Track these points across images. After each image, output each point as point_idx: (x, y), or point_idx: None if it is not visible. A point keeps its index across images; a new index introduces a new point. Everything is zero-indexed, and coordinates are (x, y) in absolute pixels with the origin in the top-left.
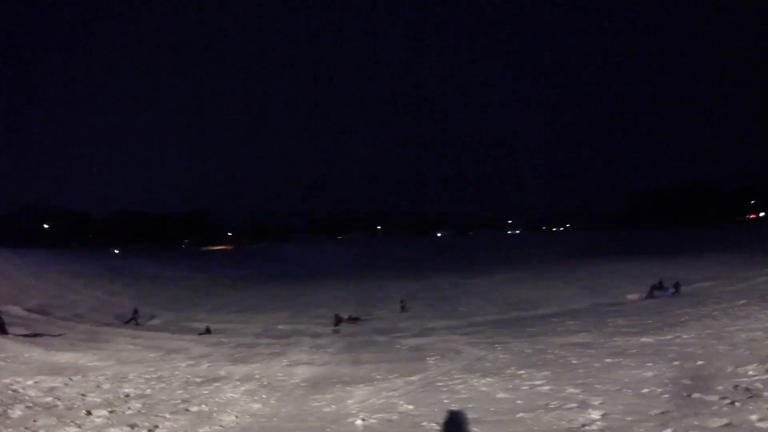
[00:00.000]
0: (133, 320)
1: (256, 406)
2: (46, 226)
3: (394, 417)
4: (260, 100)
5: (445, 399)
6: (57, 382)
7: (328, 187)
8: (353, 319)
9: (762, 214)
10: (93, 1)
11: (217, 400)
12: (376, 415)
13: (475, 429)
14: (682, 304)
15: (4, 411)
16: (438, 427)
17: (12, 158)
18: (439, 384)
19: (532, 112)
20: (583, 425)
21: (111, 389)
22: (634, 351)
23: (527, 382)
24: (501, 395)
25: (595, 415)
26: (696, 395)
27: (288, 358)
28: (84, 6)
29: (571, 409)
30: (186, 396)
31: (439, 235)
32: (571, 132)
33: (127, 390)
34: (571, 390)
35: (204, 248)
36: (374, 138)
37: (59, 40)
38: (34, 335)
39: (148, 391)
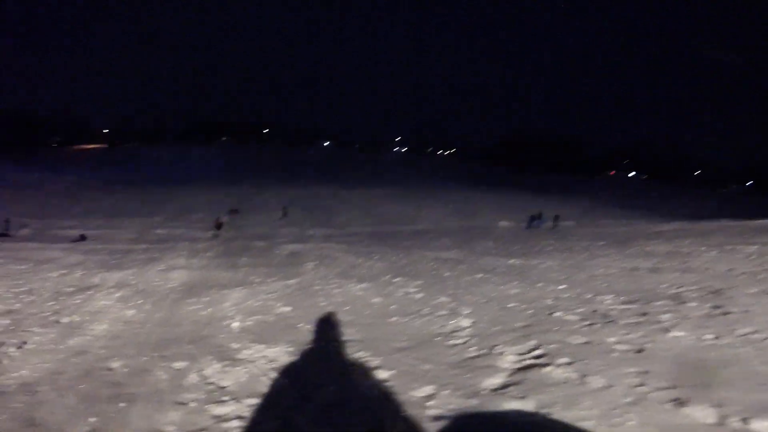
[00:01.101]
0: (4, 233)
1: (130, 312)
2: None
3: (271, 319)
4: None
5: (321, 302)
6: None
7: (213, 89)
8: (233, 211)
9: (632, 173)
10: None
11: (88, 309)
12: (252, 317)
13: (349, 330)
14: (548, 237)
15: None
16: (313, 328)
17: None
18: (316, 288)
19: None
20: (453, 331)
21: None
22: (502, 270)
23: (401, 289)
24: (375, 300)
25: (465, 322)
26: (557, 314)
27: (164, 263)
28: None
29: (441, 316)
30: (57, 307)
31: (325, 144)
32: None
33: None
34: (442, 299)
35: (75, 147)
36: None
37: None
38: None
39: (17, 306)
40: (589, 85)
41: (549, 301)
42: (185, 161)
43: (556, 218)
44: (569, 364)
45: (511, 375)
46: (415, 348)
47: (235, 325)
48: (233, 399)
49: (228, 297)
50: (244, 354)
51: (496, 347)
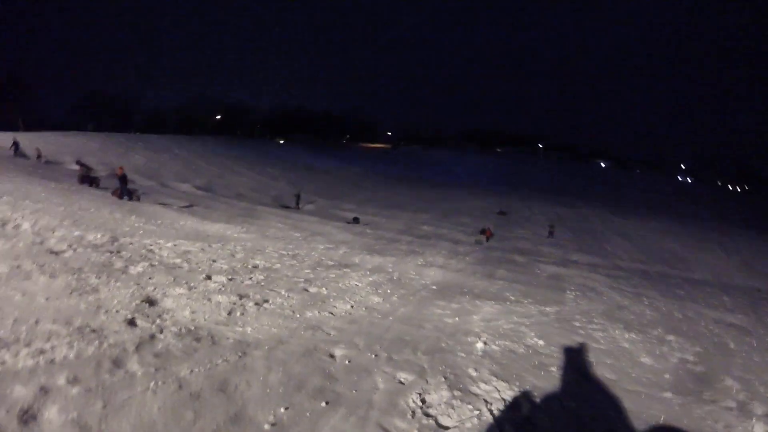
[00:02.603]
0: (296, 204)
1: (376, 299)
2: (218, 117)
3: (520, 349)
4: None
5: (580, 343)
6: (195, 246)
7: (487, 101)
8: (501, 213)
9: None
10: None
11: (339, 285)
12: (499, 341)
13: (610, 395)
14: None
15: (126, 267)
16: (567, 377)
17: (185, 57)
18: (576, 324)
19: None
20: None
21: (243, 259)
22: None
23: (676, 354)
24: (645, 359)
25: (759, 429)
26: None
27: (424, 258)
28: None
29: (728, 409)
30: (311, 276)
31: (602, 165)
32: None
33: (257, 262)
34: (728, 382)
35: (361, 145)
36: (545, 58)
37: None
38: (190, 206)
39: (277, 266)
40: None
41: None
42: (460, 166)
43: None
44: None
45: None
46: None
47: (480, 345)
48: None
49: (479, 309)
50: (481, 389)
51: None
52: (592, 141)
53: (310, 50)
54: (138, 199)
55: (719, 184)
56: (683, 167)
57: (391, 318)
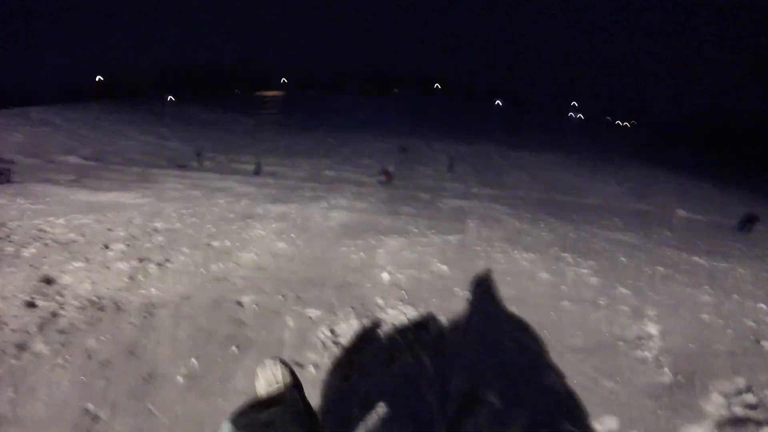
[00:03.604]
0: (200, 162)
1: (281, 245)
2: (99, 78)
3: (425, 276)
4: None
5: (482, 266)
6: (89, 218)
7: (385, 46)
8: (402, 149)
9: None
10: None
11: (243, 236)
12: (405, 271)
13: (512, 307)
14: (735, 238)
15: (17, 250)
16: (470, 297)
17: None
18: (478, 249)
19: None
20: (639, 337)
21: (141, 224)
22: (686, 268)
23: (571, 268)
24: (543, 275)
25: (652, 328)
26: (766, 345)
27: (328, 201)
28: None
29: (622, 312)
30: (214, 231)
31: (498, 103)
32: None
33: (157, 225)
34: (621, 290)
35: (256, 95)
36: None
37: None
38: (79, 178)
39: (178, 225)
40: None
41: (750, 323)
42: (359, 111)
43: (753, 219)
44: None
45: (719, 427)
46: (593, 351)
47: (385, 276)
48: (356, 371)
49: (384, 244)
50: (388, 314)
51: (696, 376)
52: (489, 81)
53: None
54: (8, 180)
55: (609, 119)
56: (575, 105)
57: (297, 261)
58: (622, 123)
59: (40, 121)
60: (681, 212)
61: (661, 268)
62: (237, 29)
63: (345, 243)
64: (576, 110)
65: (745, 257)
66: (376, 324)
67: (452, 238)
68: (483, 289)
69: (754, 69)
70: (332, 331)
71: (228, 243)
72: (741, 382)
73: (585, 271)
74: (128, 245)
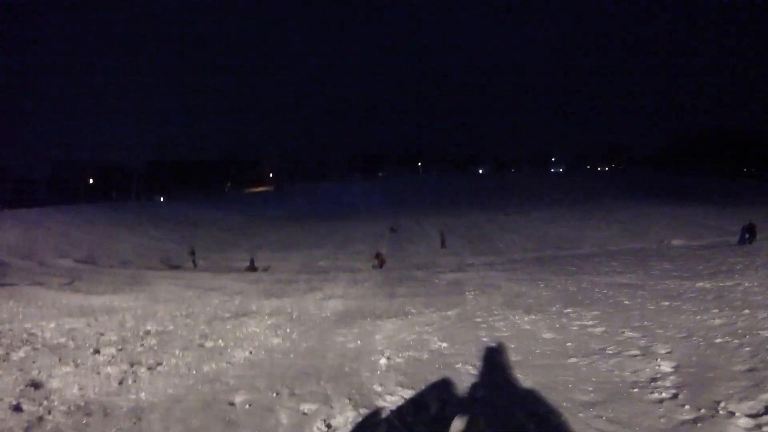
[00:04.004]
0: (193, 262)
1: (276, 341)
2: (91, 181)
3: (424, 356)
4: (294, 38)
5: (483, 336)
6: (80, 323)
7: (366, 125)
8: (393, 230)
9: None
10: None
11: (237, 334)
12: (404, 353)
13: (518, 374)
14: (734, 253)
15: (7, 353)
16: (473, 370)
17: (50, 119)
18: (478, 320)
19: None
20: (653, 379)
21: (133, 327)
22: (692, 295)
23: (576, 322)
24: (547, 335)
25: (666, 366)
26: None
27: (323, 292)
28: None
29: (633, 356)
30: (207, 331)
31: (480, 171)
32: (614, 71)
33: (149, 327)
34: (628, 333)
35: (245, 190)
36: (413, 74)
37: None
38: (72, 282)
39: (171, 327)
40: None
41: (766, 334)
42: (348, 197)
43: (752, 230)
44: None
45: None
46: (606, 403)
47: (383, 361)
48: None
49: (381, 328)
50: (387, 401)
51: (719, 404)
52: (469, 149)
53: (178, 99)
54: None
55: (588, 167)
56: (553, 159)
57: (292, 355)
58: (602, 168)
59: (33, 222)
60: (676, 242)
61: (665, 302)
62: (223, 125)
63: (341, 332)
64: (556, 164)
65: (748, 270)
66: (374, 413)
67: (451, 313)
68: (486, 359)
69: (726, 90)
70: (328, 426)
71: (221, 342)
72: (767, 398)
73: (589, 322)
74: (119, 349)
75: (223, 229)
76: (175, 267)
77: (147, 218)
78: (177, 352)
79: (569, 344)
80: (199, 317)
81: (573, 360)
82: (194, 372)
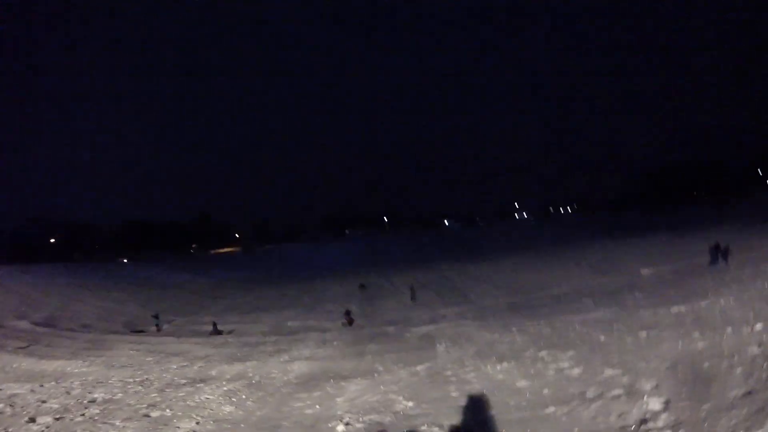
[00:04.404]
0: (156, 326)
1: (229, 409)
2: (52, 240)
3: (387, 419)
4: (259, 101)
5: (453, 392)
6: (24, 389)
7: (333, 186)
8: (362, 287)
9: None
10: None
11: (188, 403)
12: (365, 417)
13: (497, 428)
14: (703, 273)
15: None
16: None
17: (13, 174)
18: (448, 373)
19: (533, 99)
20: (642, 421)
21: (79, 395)
22: (669, 321)
23: (551, 365)
24: (522, 383)
25: (655, 404)
26: None
27: (289, 354)
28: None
29: (616, 398)
30: (158, 400)
31: (446, 224)
32: (567, 123)
33: (96, 395)
34: (608, 372)
35: (212, 251)
36: (376, 135)
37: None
38: (27, 346)
39: (119, 396)
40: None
41: (756, 349)
42: (317, 257)
43: (725, 250)
44: None
45: None
46: None
47: (340, 429)
48: None
49: (344, 390)
50: None
51: None
52: (436, 205)
53: (144, 159)
54: None
55: (551, 210)
56: (516, 205)
57: (243, 425)
58: (564, 209)
59: None
60: (645, 271)
61: (643, 333)
62: (189, 187)
63: (301, 396)
64: (520, 211)
65: (721, 287)
66: None
67: (420, 368)
68: (456, 418)
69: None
70: None
71: (169, 412)
72: None
73: (565, 364)
74: (57, 418)
75: (189, 292)
76: (139, 331)
77: (110, 280)
78: (118, 423)
79: (546, 391)
80: (152, 384)
81: (551, 409)
82: None
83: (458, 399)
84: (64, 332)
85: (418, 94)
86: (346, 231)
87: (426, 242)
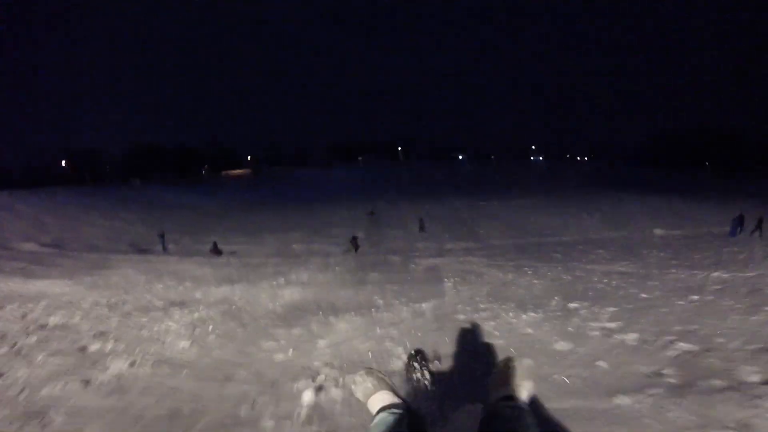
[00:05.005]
0: (161, 246)
1: (183, 344)
2: (63, 163)
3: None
4: (274, 21)
5: (469, 346)
6: None
7: (348, 113)
8: (371, 213)
9: None
10: None
11: (143, 333)
12: (348, 377)
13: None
14: (723, 243)
15: None
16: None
17: (28, 103)
18: (460, 317)
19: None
20: None
21: (34, 318)
22: (716, 287)
23: (593, 324)
24: (561, 345)
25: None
26: None
27: (286, 278)
28: None
29: (720, 390)
30: (112, 327)
31: (460, 158)
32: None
33: (51, 319)
34: (681, 345)
35: (223, 173)
36: (396, 61)
37: None
38: (27, 266)
39: (75, 321)
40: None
41: None
42: (327, 182)
43: (759, 221)
44: None
45: None
46: None
47: (307, 396)
48: None
49: (330, 330)
50: None
51: None
52: (451, 140)
53: (156, 84)
54: None
55: (567, 157)
56: (534, 148)
57: (185, 372)
58: (581, 158)
59: (1, 206)
60: (657, 231)
61: (694, 297)
62: (204, 110)
63: (276, 334)
64: (537, 153)
65: (762, 260)
66: None
67: (426, 306)
68: (480, 393)
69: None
70: None
71: (110, 345)
72: None
73: (611, 324)
74: None
75: (197, 213)
76: (144, 251)
77: (120, 202)
78: (40, 357)
79: (600, 364)
80: (119, 308)
81: (621, 399)
82: (24, 396)
83: (479, 359)
84: (68, 253)
85: (446, 27)
86: (359, 158)
87: (438, 176)
